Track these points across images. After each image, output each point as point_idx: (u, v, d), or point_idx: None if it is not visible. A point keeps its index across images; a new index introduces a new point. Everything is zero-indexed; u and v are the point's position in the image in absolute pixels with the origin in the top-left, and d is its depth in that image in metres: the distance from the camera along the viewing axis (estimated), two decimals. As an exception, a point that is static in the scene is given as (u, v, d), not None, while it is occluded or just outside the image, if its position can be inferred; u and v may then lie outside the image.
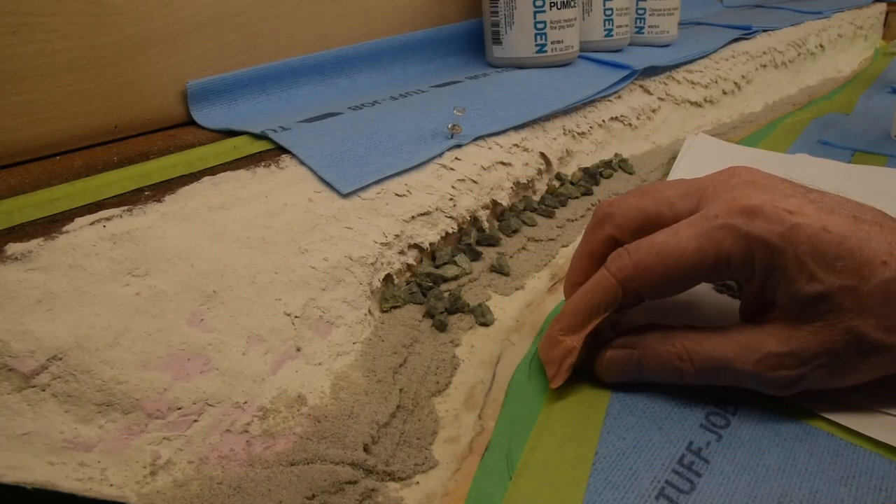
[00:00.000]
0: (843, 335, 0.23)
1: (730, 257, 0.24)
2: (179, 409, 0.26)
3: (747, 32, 0.78)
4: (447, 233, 0.39)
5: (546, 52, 0.55)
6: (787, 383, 0.24)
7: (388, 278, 0.36)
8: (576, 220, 0.46)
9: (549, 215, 0.45)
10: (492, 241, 0.41)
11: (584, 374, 0.29)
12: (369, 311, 0.33)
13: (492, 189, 0.43)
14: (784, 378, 0.24)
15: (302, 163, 0.36)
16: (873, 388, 0.25)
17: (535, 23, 0.53)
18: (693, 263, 0.25)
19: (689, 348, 0.26)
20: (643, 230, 0.27)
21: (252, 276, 0.30)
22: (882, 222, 0.24)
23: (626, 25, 0.63)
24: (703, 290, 0.34)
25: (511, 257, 0.40)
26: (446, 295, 0.35)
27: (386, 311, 0.34)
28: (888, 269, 0.23)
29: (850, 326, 0.23)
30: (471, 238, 0.41)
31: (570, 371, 0.27)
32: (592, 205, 0.48)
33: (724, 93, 0.69)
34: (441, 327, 0.33)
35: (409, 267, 0.37)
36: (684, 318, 0.32)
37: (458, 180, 0.41)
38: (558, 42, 0.55)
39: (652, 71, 0.62)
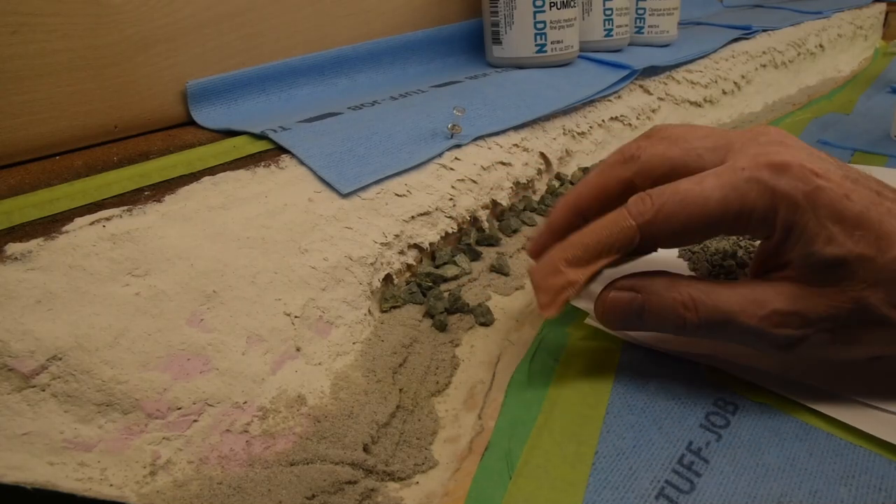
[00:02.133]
0: (851, 303, 0.23)
1: (753, 210, 0.24)
2: (179, 409, 0.26)
3: (747, 32, 0.78)
4: (447, 233, 0.39)
5: (546, 52, 0.55)
6: (788, 342, 0.24)
7: (387, 278, 0.36)
8: (576, 220, 0.46)
9: (549, 215, 0.46)
10: (492, 241, 0.41)
11: (585, 374, 0.29)
12: (369, 311, 0.33)
13: (492, 189, 0.43)
14: (786, 336, 0.24)
15: (302, 163, 0.36)
16: (873, 386, 0.25)
17: (535, 23, 0.53)
18: (716, 213, 0.24)
19: (696, 297, 0.25)
20: (666, 178, 0.26)
21: (252, 276, 0.30)
22: None
23: (626, 25, 0.63)
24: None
25: (511, 257, 0.40)
26: (446, 295, 0.35)
27: (386, 311, 0.34)
28: None
29: (859, 296, 0.23)
30: (471, 238, 0.41)
31: (565, 306, 0.26)
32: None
33: (724, 93, 0.69)
34: (441, 327, 0.33)
35: (408, 267, 0.37)
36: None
37: (458, 180, 0.41)
38: (558, 42, 0.55)
39: (652, 71, 0.62)
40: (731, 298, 0.25)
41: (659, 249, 0.28)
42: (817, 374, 0.27)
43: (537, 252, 0.30)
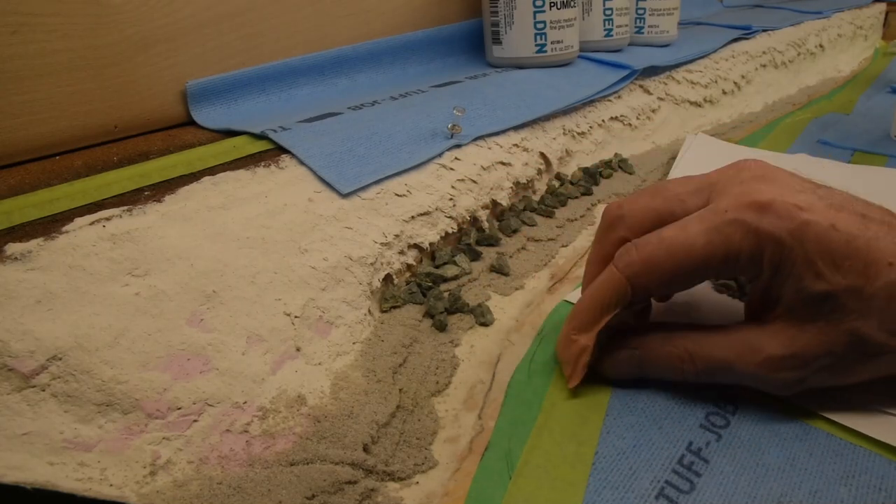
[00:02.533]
0: (845, 336, 0.23)
1: (739, 252, 0.24)
2: (179, 409, 0.26)
3: (747, 32, 0.78)
4: (447, 233, 0.39)
5: (546, 52, 0.55)
6: (788, 385, 0.25)
7: (387, 278, 0.36)
8: (576, 219, 0.46)
9: (549, 215, 0.45)
10: (492, 241, 0.41)
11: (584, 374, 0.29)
12: (369, 311, 0.33)
13: (491, 189, 0.43)
14: (786, 380, 0.24)
15: (302, 163, 0.36)
16: (873, 388, 0.25)
17: (535, 23, 0.53)
18: (702, 258, 0.24)
19: (691, 350, 0.26)
20: (654, 229, 0.27)
21: (252, 276, 0.30)
22: (890, 222, 0.24)
23: (626, 25, 0.63)
24: (704, 291, 0.34)
25: (511, 257, 0.40)
26: (446, 295, 0.35)
27: (386, 311, 0.34)
28: (894, 271, 0.23)
29: (852, 328, 0.23)
30: (471, 238, 0.41)
31: (586, 369, 0.27)
32: (592, 205, 0.48)
33: (724, 93, 0.69)
34: (441, 327, 0.33)
35: (408, 267, 0.37)
36: (685, 319, 0.32)
37: (458, 180, 0.41)
38: (558, 42, 0.55)
39: (652, 71, 0.62)
40: (724, 347, 0.25)
41: None
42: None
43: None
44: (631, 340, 0.28)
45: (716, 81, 0.68)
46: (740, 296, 0.34)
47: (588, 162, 0.53)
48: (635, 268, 0.25)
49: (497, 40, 0.56)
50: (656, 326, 0.28)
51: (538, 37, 0.54)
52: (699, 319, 0.32)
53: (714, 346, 0.25)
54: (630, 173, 0.53)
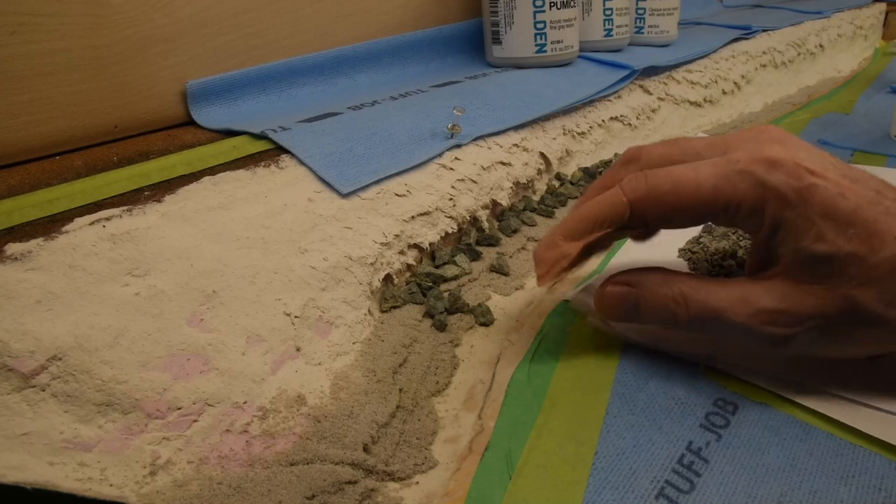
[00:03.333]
0: (840, 301, 0.23)
1: (741, 202, 0.24)
2: (179, 409, 0.26)
3: (747, 32, 0.78)
4: (447, 233, 0.39)
5: (546, 52, 0.55)
6: (777, 340, 0.24)
7: (387, 278, 0.36)
8: (576, 219, 0.46)
9: (549, 215, 0.45)
10: (492, 241, 0.41)
11: (585, 374, 0.29)
12: (369, 311, 0.33)
13: (491, 189, 0.43)
14: (775, 334, 0.24)
15: (302, 163, 0.36)
16: (873, 386, 0.25)
17: (535, 23, 0.53)
18: (706, 199, 0.25)
19: (686, 293, 0.26)
20: None
21: (252, 276, 0.30)
22: None
23: (626, 25, 0.63)
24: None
25: (511, 257, 0.40)
26: (446, 295, 0.35)
27: (386, 311, 0.34)
28: None
29: (849, 294, 0.23)
30: (471, 238, 0.41)
31: (559, 276, 0.28)
32: (592, 205, 0.48)
33: (724, 92, 0.69)
34: (441, 327, 0.33)
35: (408, 267, 0.37)
36: None
37: (458, 180, 0.41)
38: (558, 42, 0.55)
39: (652, 71, 0.62)
40: (720, 295, 0.25)
41: (659, 243, 0.28)
42: (817, 374, 0.27)
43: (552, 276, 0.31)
44: (627, 278, 0.28)
45: (716, 81, 0.68)
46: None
47: (588, 162, 0.53)
48: (640, 193, 0.26)
49: (497, 40, 0.56)
50: (655, 269, 0.28)
51: (538, 37, 0.54)
52: None
53: (709, 293, 0.26)
54: (630, 173, 0.53)
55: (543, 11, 0.53)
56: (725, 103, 0.69)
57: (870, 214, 0.23)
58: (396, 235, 0.36)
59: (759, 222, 0.25)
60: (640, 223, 0.27)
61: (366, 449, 0.26)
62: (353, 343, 0.32)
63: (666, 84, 0.63)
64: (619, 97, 0.58)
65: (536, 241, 0.42)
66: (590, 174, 0.51)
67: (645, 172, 0.26)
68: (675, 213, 0.26)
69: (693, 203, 0.25)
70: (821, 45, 0.87)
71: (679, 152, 0.28)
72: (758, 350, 0.26)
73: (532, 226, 0.44)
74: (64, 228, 0.28)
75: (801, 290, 0.24)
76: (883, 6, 1.07)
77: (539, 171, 0.48)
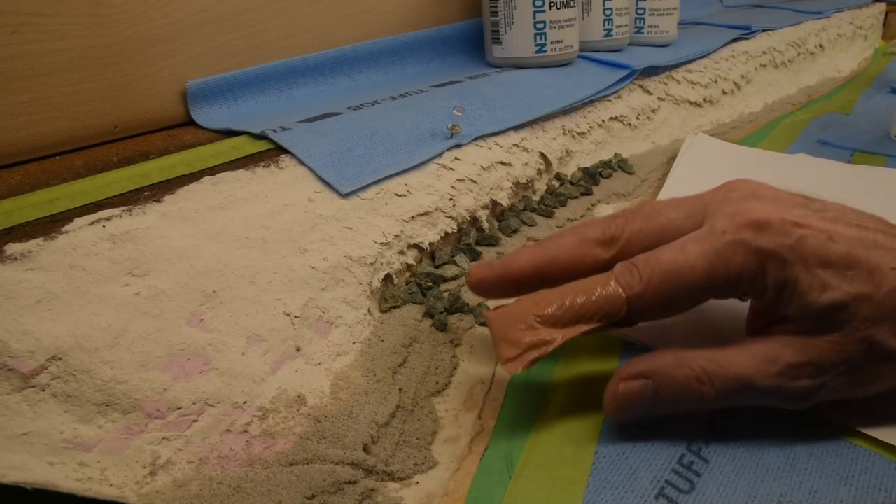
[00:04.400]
0: (859, 345, 0.23)
1: (741, 273, 0.24)
2: (179, 409, 0.26)
3: (747, 32, 0.78)
4: (447, 233, 0.39)
5: (546, 52, 0.55)
6: (808, 393, 0.24)
7: (387, 278, 0.36)
8: (575, 220, 0.46)
9: (549, 215, 0.45)
10: (492, 241, 0.41)
11: (585, 373, 0.29)
12: (369, 311, 0.33)
13: (491, 189, 0.43)
14: (805, 388, 0.24)
15: (302, 163, 0.36)
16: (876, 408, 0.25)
17: (535, 23, 0.53)
18: (704, 282, 0.24)
19: (708, 369, 0.24)
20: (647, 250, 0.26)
21: (252, 276, 0.30)
22: (885, 230, 0.24)
23: (626, 25, 0.63)
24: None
25: (511, 257, 0.40)
26: (446, 295, 0.35)
27: (385, 311, 0.34)
28: None
29: (866, 336, 0.23)
30: (470, 238, 0.41)
31: (532, 364, 0.24)
32: (592, 205, 0.48)
33: (724, 93, 0.69)
34: (441, 327, 0.33)
35: (408, 267, 0.37)
36: (686, 324, 0.32)
37: (458, 180, 0.41)
38: (558, 42, 0.55)
39: (652, 71, 0.62)
40: (741, 361, 0.24)
41: None
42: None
43: (481, 288, 0.29)
44: (638, 370, 0.25)
45: (716, 81, 0.68)
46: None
47: (588, 162, 0.53)
48: (636, 290, 0.24)
49: (497, 40, 0.56)
50: (661, 351, 0.26)
51: (538, 37, 0.54)
52: (702, 322, 0.32)
53: (731, 362, 0.24)
54: (630, 173, 0.53)
55: (543, 11, 0.53)
56: (725, 103, 0.69)
57: (861, 253, 0.23)
58: (396, 235, 0.36)
59: (761, 288, 0.24)
60: (636, 317, 0.25)
61: (366, 449, 0.26)
62: (353, 343, 0.32)
63: (666, 84, 0.63)
64: (619, 97, 0.58)
65: (536, 241, 0.42)
66: (589, 174, 0.51)
67: (636, 264, 0.25)
68: (675, 302, 0.25)
69: (692, 289, 0.24)
70: (821, 45, 0.87)
71: (658, 228, 0.27)
72: (781, 408, 0.25)
73: (532, 226, 0.44)
74: (64, 228, 0.28)
75: (819, 341, 0.23)
76: (883, 6, 1.07)
77: (539, 171, 0.48)
